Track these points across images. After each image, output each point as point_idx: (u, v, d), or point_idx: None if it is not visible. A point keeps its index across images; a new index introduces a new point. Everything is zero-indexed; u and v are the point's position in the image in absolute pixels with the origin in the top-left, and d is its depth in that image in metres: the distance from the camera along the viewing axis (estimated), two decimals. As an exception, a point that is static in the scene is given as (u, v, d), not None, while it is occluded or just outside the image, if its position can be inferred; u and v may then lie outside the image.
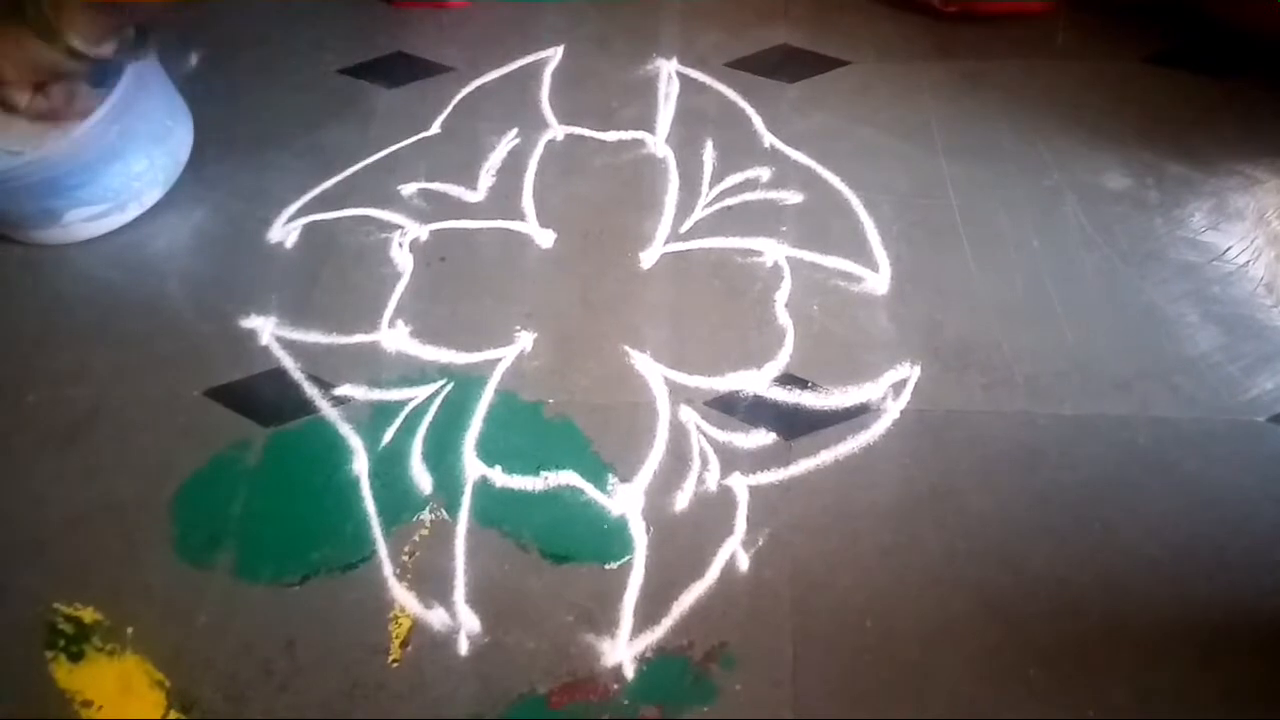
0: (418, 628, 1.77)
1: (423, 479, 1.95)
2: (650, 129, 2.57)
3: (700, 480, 1.92)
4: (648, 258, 2.28)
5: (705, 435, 1.98)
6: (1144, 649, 1.68)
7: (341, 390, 2.10)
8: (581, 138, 2.57)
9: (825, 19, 2.82)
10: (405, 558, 1.85)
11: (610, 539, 1.86)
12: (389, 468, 1.98)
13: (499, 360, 2.12)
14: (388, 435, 2.02)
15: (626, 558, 1.83)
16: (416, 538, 1.88)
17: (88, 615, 1.82)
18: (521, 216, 2.39)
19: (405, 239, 2.36)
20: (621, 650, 1.73)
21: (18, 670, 1.77)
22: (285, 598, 1.82)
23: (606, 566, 1.82)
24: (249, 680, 1.73)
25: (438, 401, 2.07)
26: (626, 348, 2.12)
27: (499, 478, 1.95)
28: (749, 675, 1.69)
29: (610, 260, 2.29)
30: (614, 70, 2.74)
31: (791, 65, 2.70)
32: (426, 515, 1.91)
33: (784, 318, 2.15)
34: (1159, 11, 2.68)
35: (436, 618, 1.78)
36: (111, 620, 1.81)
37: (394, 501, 1.93)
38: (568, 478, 1.94)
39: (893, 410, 1.99)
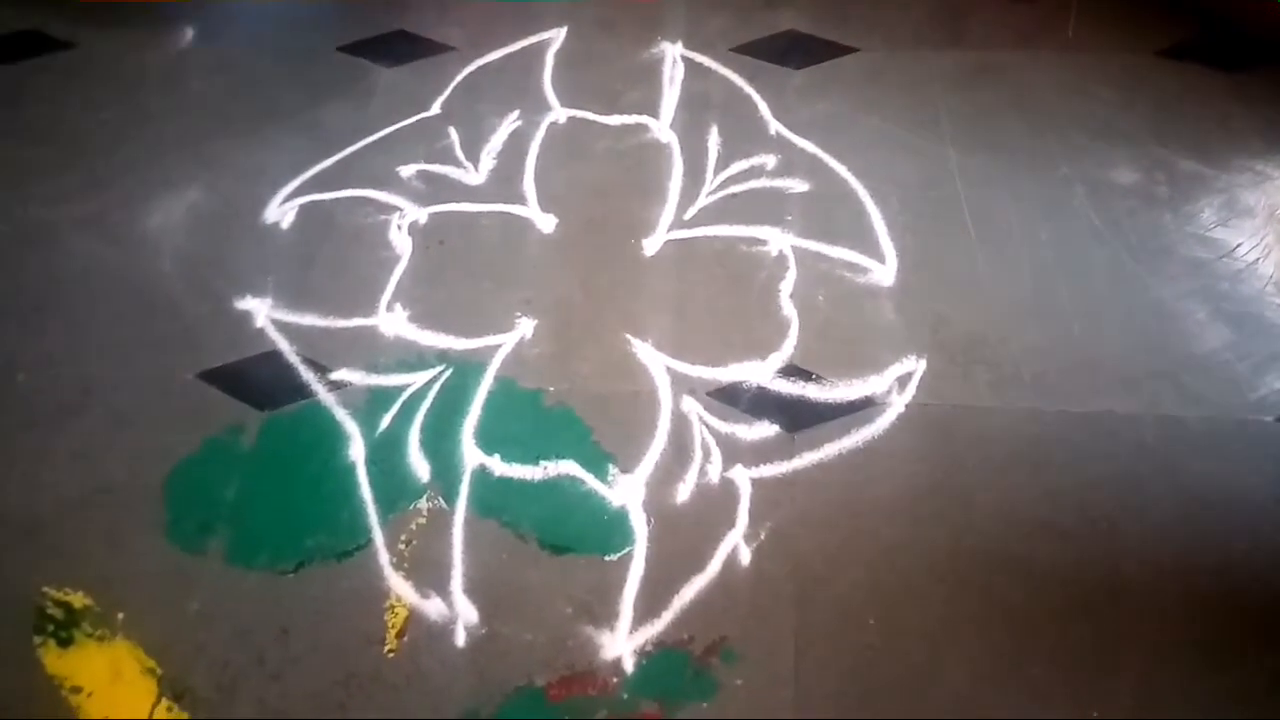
0: (414, 618, 1.74)
1: (420, 466, 1.92)
2: (654, 113, 2.53)
3: (702, 472, 1.89)
4: (651, 245, 2.25)
5: (707, 426, 1.95)
6: (1150, 649, 1.66)
7: (338, 375, 2.06)
8: (584, 121, 2.53)
9: (833, 5, 2.78)
10: (402, 546, 1.82)
11: (610, 530, 1.83)
12: (386, 454, 1.94)
13: (498, 346, 2.09)
14: (385, 421, 1.99)
15: (627, 549, 1.80)
16: (414, 526, 1.85)
17: (77, 600, 1.79)
18: (522, 200, 2.35)
19: (404, 221, 2.32)
20: (621, 643, 1.70)
21: (6, 655, 1.74)
22: (279, 585, 1.79)
23: (606, 558, 1.80)
24: (241, 669, 1.70)
25: (436, 388, 2.03)
26: (628, 336, 2.09)
27: (498, 466, 1.92)
28: (750, 671, 1.66)
29: (612, 247, 2.26)
30: (618, 53, 2.69)
31: (798, 51, 2.67)
32: (424, 503, 1.88)
33: (788, 308, 2.12)
34: (1172, 4, 2.65)
35: (433, 608, 1.75)
36: (101, 606, 1.78)
37: (391, 489, 1.89)
38: (567, 467, 1.91)
39: (898, 404, 1.97)
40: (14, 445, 2.00)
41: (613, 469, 1.91)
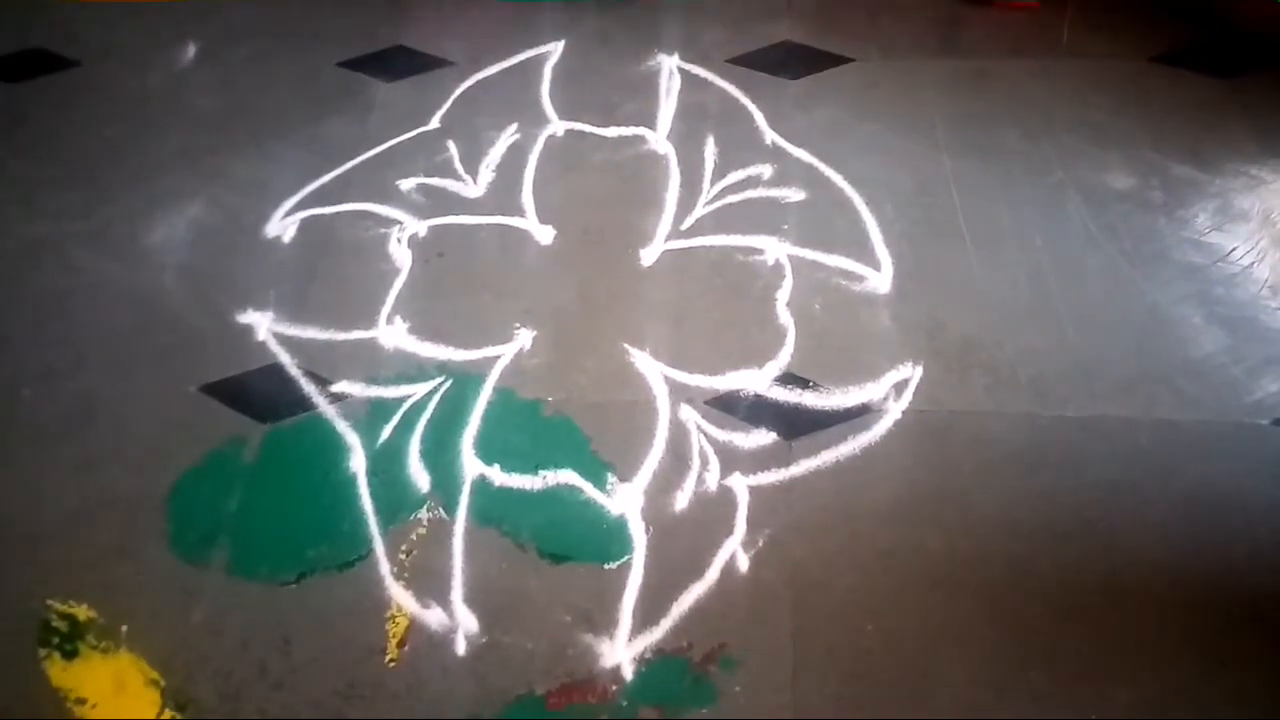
0: (415, 627, 1.76)
1: (420, 477, 1.94)
2: (651, 125, 2.55)
3: (700, 480, 1.90)
4: (648, 255, 2.27)
5: (705, 435, 1.96)
6: (1146, 652, 1.67)
7: (339, 387, 2.08)
8: (582, 133, 2.55)
9: (829, 15, 2.80)
10: (403, 556, 1.84)
11: (609, 539, 1.84)
12: (386, 465, 1.96)
13: (498, 357, 2.11)
14: (385, 432, 2.00)
15: (625, 558, 1.81)
16: (414, 536, 1.86)
17: (81, 612, 1.80)
18: (521, 212, 2.37)
19: (403, 234, 2.34)
20: (620, 651, 1.71)
21: (10, 668, 1.75)
22: (281, 596, 1.80)
23: (605, 567, 1.81)
24: (244, 679, 1.71)
25: (436, 399, 2.05)
26: (626, 346, 2.10)
27: (497, 476, 1.93)
28: (749, 677, 1.67)
29: (610, 257, 2.27)
30: (615, 66, 2.72)
31: (794, 61, 2.69)
32: (424, 514, 1.89)
33: (785, 316, 2.13)
34: (1167, 10, 2.66)
35: (434, 617, 1.76)
36: (105, 618, 1.80)
37: (391, 500, 1.91)
38: (566, 477, 1.92)
39: (894, 411, 1.98)
40: (18, 459, 2.01)
41: (611, 478, 1.92)
